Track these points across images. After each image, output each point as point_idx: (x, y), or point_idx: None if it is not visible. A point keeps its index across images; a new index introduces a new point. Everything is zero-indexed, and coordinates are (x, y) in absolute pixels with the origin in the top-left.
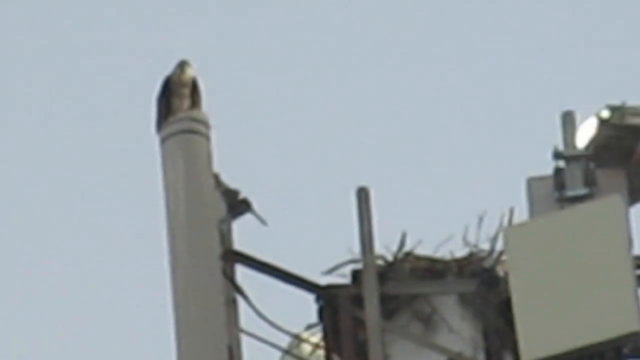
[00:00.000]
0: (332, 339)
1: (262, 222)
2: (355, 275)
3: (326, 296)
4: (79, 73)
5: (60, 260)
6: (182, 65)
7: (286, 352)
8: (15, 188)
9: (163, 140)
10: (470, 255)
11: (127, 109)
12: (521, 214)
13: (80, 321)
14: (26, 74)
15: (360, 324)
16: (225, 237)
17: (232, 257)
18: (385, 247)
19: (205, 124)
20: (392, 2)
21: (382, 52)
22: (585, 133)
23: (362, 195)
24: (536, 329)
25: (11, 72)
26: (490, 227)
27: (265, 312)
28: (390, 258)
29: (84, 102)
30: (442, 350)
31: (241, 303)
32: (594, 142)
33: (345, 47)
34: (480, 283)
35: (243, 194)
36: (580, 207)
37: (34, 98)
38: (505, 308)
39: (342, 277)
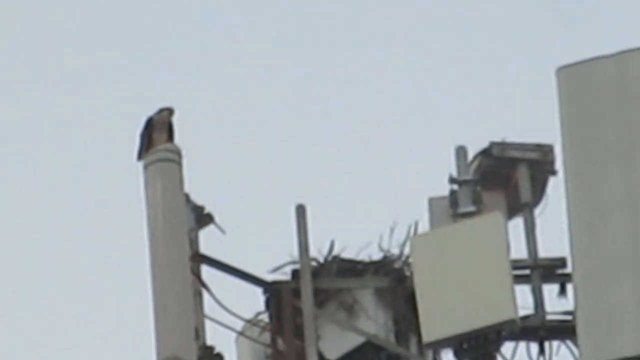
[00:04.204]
0: (276, 323)
1: (222, 231)
2: (294, 273)
3: (272, 290)
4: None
5: (62, 264)
6: (162, 110)
7: (240, 333)
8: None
9: (146, 167)
10: (384, 258)
11: (116, 141)
12: (424, 226)
13: (74, 309)
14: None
15: (298, 311)
16: (193, 243)
17: (199, 259)
18: (318, 252)
19: (179, 154)
20: None
21: (302, 73)
22: (474, 163)
23: (300, 211)
24: (435, 317)
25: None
26: (400, 236)
27: (223, 302)
28: (321, 260)
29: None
30: (362, 332)
31: (205, 295)
32: (480, 170)
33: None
34: (392, 280)
35: (207, 209)
36: (470, 221)
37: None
38: (411, 300)
39: (284, 275)
